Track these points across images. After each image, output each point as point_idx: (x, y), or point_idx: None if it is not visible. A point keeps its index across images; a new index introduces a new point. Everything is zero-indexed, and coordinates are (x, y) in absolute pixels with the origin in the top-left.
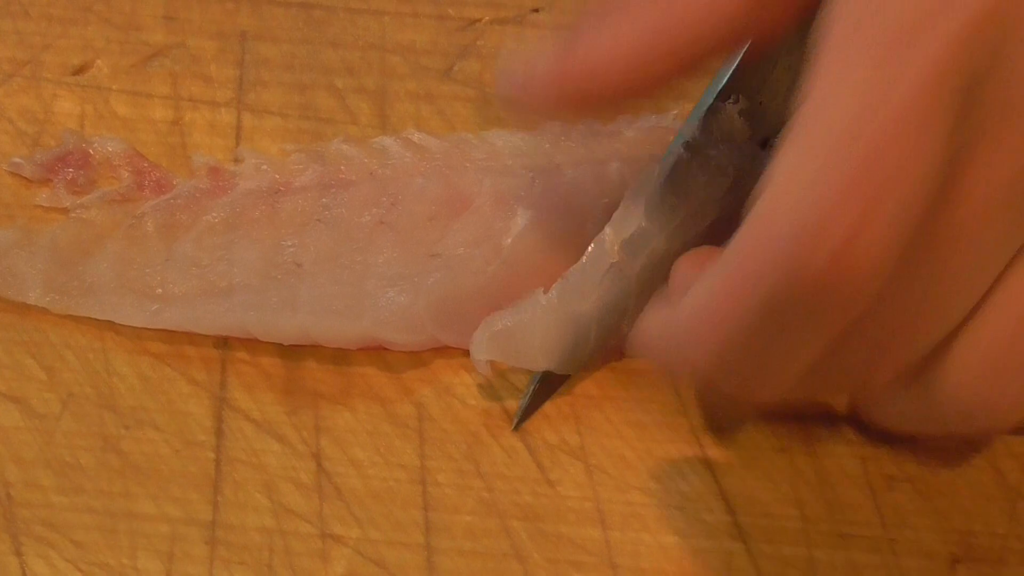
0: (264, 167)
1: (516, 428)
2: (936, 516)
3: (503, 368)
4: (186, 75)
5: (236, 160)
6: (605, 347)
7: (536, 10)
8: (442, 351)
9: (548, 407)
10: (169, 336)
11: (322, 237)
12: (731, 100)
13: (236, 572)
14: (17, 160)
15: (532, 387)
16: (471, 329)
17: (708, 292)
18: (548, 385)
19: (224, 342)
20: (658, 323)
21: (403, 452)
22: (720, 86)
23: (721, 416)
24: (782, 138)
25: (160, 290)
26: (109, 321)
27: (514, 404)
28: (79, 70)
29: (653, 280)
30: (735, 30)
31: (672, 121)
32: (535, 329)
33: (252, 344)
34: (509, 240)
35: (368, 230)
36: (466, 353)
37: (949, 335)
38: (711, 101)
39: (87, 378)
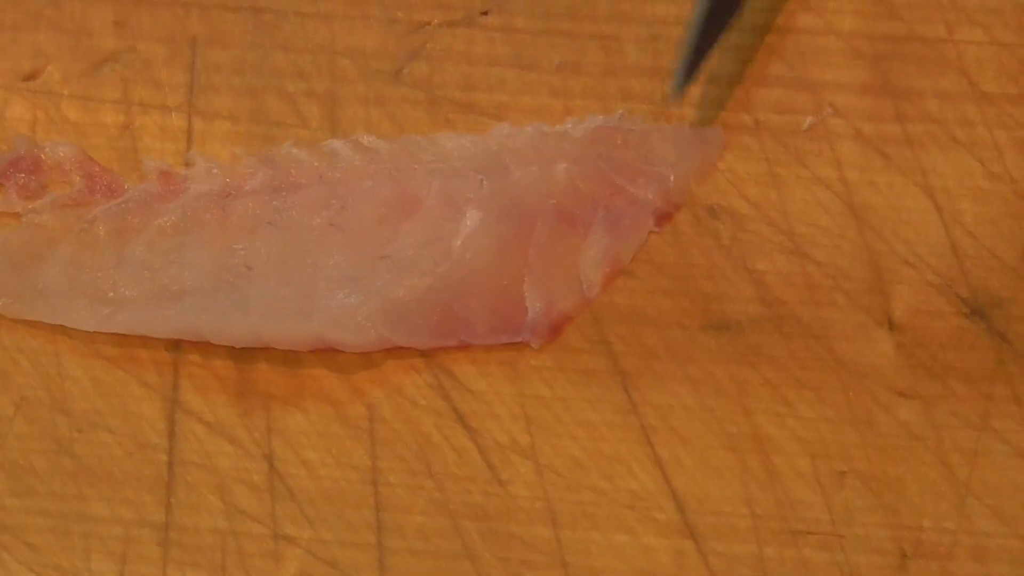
0: (215, 171)
1: (680, 88)
2: (885, 512)
3: (453, 367)
4: (137, 80)
5: (187, 164)
6: None
7: (485, 12)
8: (393, 352)
9: (499, 407)
10: (121, 339)
11: (272, 240)
12: None
13: (189, 573)
14: None
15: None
16: (421, 330)
17: None
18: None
19: (176, 345)
20: None
21: (354, 453)
22: None
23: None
24: None
25: (112, 294)
26: (61, 325)
27: (465, 405)
28: (30, 76)
29: None
30: None
31: (619, 121)
32: None
33: (204, 347)
34: (459, 241)
35: (318, 233)
36: (417, 353)
37: None
38: None
39: (39, 382)
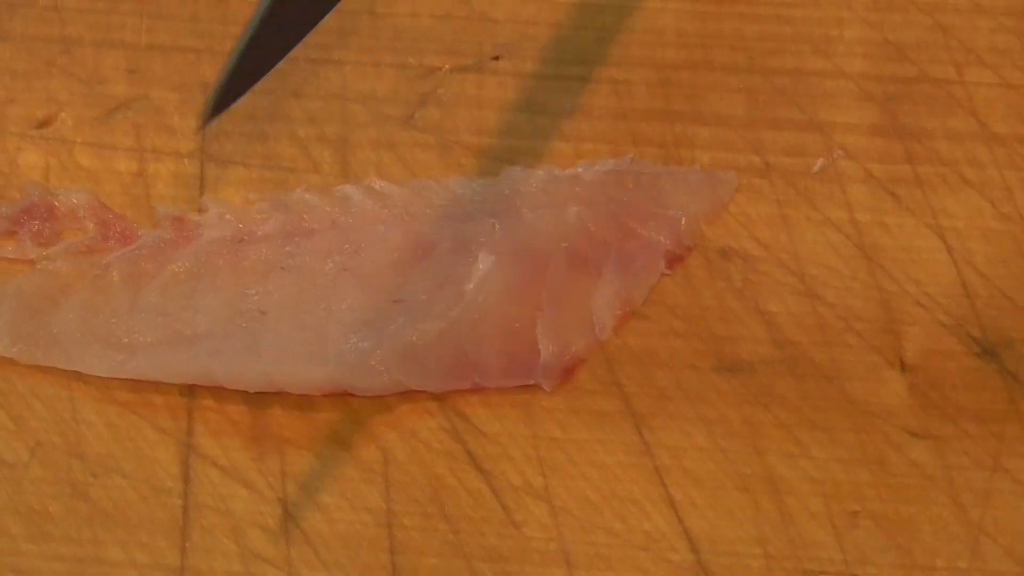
0: (228, 216)
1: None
2: (898, 552)
3: (467, 410)
4: (149, 126)
5: (200, 210)
6: None
7: (496, 58)
8: (406, 395)
9: (513, 449)
10: (135, 385)
11: (286, 285)
12: None
13: None
14: None
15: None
16: (434, 373)
17: None
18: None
19: (190, 390)
20: None
21: (369, 496)
22: None
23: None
24: None
25: (126, 339)
26: (76, 371)
27: (478, 448)
28: (43, 123)
29: None
30: None
31: (629, 164)
32: None
33: (218, 392)
34: (471, 285)
35: (331, 277)
36: (430, 396)
37: None
38: None
39: (55, 427)
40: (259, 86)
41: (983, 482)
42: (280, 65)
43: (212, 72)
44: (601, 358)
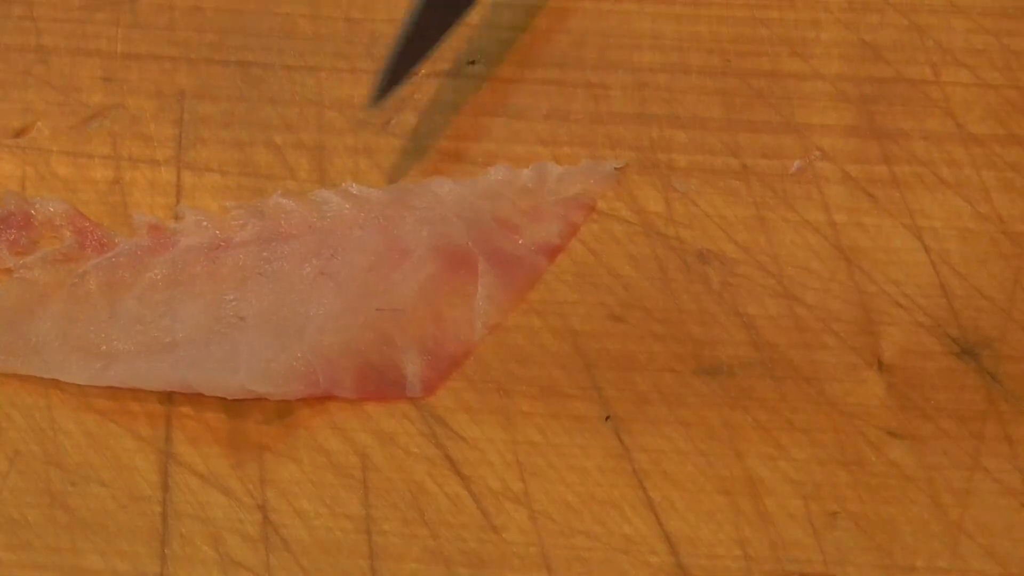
0: (205, 223)
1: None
2: (878, 552)
3: (446, 415)
4: (126, 135)
5: (177, 217)
6: None
7: (472, 62)
8: (385, 401)
9: (492, 454)
10: (114, 392)
11: (264, 290)
12: None
13: None
14: None
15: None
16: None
17: None
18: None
19: (168, 397)
20: None
21: (348, 502)
22: None
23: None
24: None
25: (104, 347)
26: (54, 379)
27: (457, 452)
28: (19, 132)
29: None
30: None
31: (608, 168)
32: None
33: (196, 399)
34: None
35: (309, 282)
36: (409, 402)
37: None
38: None
39: (33, 436)
40: (234, 93)
41: (962, 482)
42: (255, 72)
43: (188, 79)
44: (580, 363)
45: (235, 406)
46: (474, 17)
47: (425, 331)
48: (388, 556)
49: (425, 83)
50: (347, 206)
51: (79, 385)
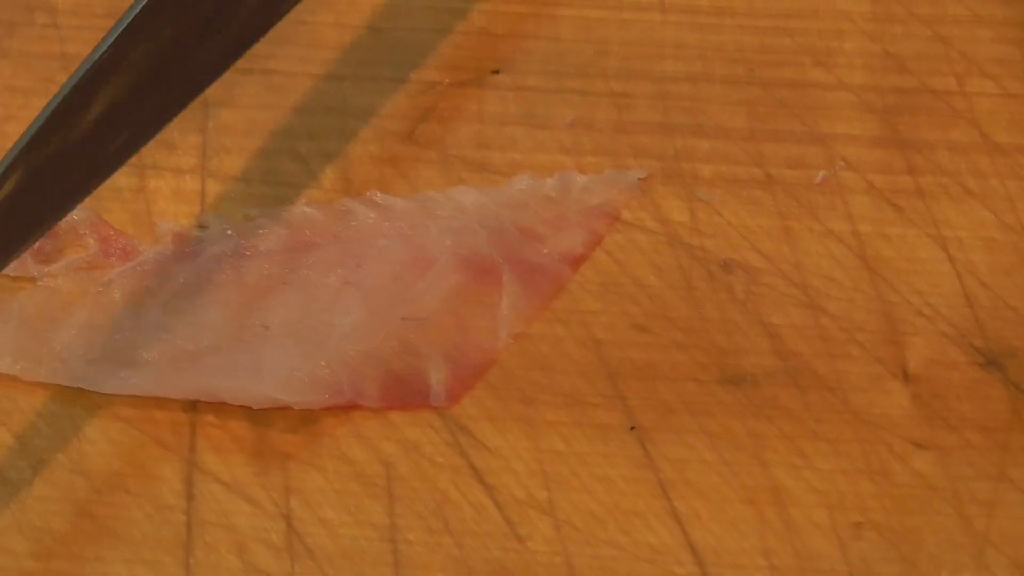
0: (229, 232)
1: None
2: (903, 563)
3: (470, 424)
4: (150, 143)
5: (201, 226)
6: None
7: (496, 72)
8: (409, 410)
9: (516, 463)
10: (138, 401)
11: (288, 300)
12: None
13: None
14: None
15: None
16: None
17: None
18: None
19: (193, 406)
20: None
21: (372, 511)
22: None
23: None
24: None
25: (129, 356)
26: (79, 387)
27: (482, 461)
28: None
29: None
30: None
31: (632, 178)
32: None
33: (220, 407)
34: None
35: (334, 291)
36: (434, 410)
37: None
38: None
39: (58, 444)
40: (257, 101)
41: (988, 492)
42: (278, 80)
43: (212, 89)
44: (603, 372)
45: (259, 415)
46: (498, 27)
47: (449, 340)
48: (413, 565)
49: (449, 92)
50: (372, 215)
51: (104, 393)
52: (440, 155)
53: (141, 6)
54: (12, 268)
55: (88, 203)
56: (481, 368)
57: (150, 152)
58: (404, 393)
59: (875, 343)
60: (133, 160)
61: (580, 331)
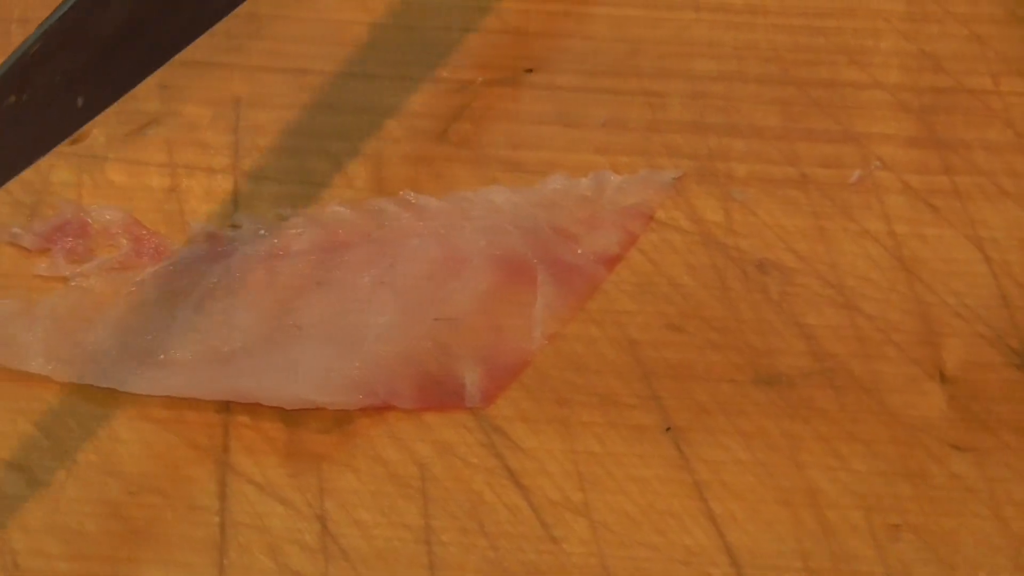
0: (261, 232)
1: None
2: (940, 565)
3: (504, 425)
4: (181, 142)
5: (233, 226)
6: None
7: (529, 70)
8: (444, 411)
9: (551, 464)
10: (171, 402)
11: (322, 299)
12: None
13: None
14: (16, 230)
15: None
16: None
17: None
18: None
19: (226, 406)
20: None
21: (407, 512)
22: None
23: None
24: None
25: (161, 356)
26: (111, 388)
27: (516, 463)
28: (75, 140)
29: None
30: None
31: (667, 177)
32: None
33: (254, 408)
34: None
35: (367, 291)
36: (468, 411)
37: None
38: None
39: (90, 445)
40: (290, 100)
41: None
42: (311, 79)
43: (243, 87)
44: (639, 372)
45: (293, 415)
46: (531, 25)
47: (483, 341)
48: (447, 567)
49: (482, 91)
50: (405, 215)
51: (136, 394)
52: (473, 154)
53: None
54: (44, 268)
55: (121, 203)
56: (515, 369)
57: (182, 152)
58: (438, 394)
59: (911, 344)
60: (164, 159)
61: (615, 331)
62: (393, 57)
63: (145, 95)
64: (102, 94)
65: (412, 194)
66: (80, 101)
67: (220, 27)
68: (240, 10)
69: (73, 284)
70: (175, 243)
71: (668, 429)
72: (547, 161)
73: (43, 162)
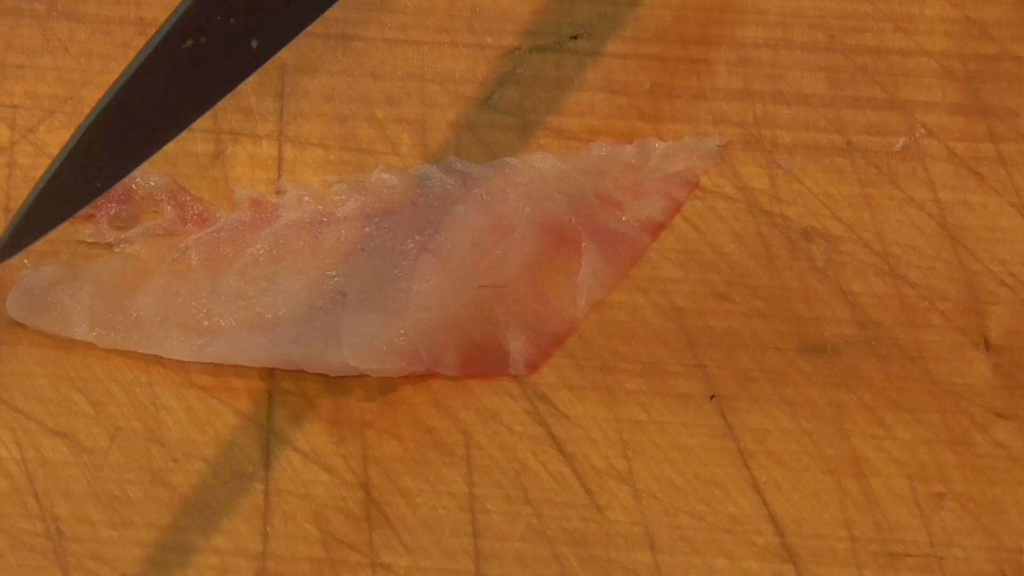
0: (306, 198)
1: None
2: (985, 534)
3: (549, 393)
4: (226, 108)
5: (278, 192)
6: None
7: (575, 37)
8: (488, 378)
9: (595, 432)
10: (215, 369)
11: (366, 266)
12: None
13: None
14: None
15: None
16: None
17: None
18: None
19: (270, 373)
20: None
21: (451, 480)
22: None
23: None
24: None
25: (206, 323)
26: (155, 355)
27: (561, 430)
28: None
29: None
30: None
31: (712, 145)
32: None
33: (298, 375)
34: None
35: (412, 258)
36: (512, 379)
37: None
38: None
39: (134, 412)
40: (335, 66)
41: None
42: (356, 45)
43: (288, 53)
44: (683, 340)
45: (337, 383)
46: None
47: (528, 308)
48: (491, 535)
49: (527, 58)
50: (450, 181)
51: (180, 361)
52: (518, 121)
53: None
54: (89, 234)
55: (165, 169)
56: (560, 336)
57: (227, 118)
58: (483, 361)
59: (956, 312)
60: (209, 125)
61: (660, 299)
62: (438, 23)
63: None
64: (276, 35)
65: (457, 160)
66: (255, 43)
67: None
68: None
69: (117, 250)
70: (220, 209)
71: (712, 397)
72: (592, 128)
73: None
